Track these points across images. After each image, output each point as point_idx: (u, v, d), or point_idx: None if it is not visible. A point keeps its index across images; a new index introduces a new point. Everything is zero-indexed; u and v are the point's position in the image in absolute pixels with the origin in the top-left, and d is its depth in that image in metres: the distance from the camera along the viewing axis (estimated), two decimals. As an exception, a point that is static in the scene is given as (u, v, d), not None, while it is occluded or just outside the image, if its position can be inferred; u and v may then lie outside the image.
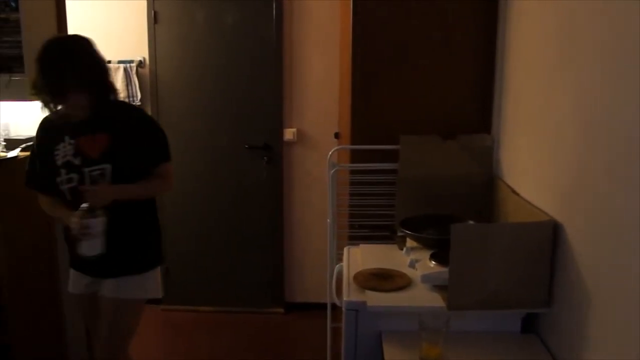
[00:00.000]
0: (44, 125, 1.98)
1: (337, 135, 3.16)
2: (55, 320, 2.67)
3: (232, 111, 3.49)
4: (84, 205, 1.78)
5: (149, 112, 3.32)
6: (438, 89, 2.23)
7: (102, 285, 2.02)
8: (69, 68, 1.82)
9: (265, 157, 3.50)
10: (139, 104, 3.43)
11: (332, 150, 2.29)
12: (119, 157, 1.89)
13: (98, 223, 1.80)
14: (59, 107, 1.90)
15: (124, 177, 1.90)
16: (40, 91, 1.84)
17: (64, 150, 1.89)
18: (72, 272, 2.10)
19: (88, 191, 1.82)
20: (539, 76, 1.70)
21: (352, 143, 2.27)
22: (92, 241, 1.81)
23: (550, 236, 1.50)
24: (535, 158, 1.73)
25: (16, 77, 2.24)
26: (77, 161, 1.88)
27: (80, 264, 2.03)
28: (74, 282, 2.10)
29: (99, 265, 1.94)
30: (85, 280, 2.06)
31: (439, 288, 1.66)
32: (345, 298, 1.68)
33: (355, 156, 2.26)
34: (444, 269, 1.63)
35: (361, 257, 1.98)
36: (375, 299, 1.63)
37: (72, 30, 2.60)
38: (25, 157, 2.39)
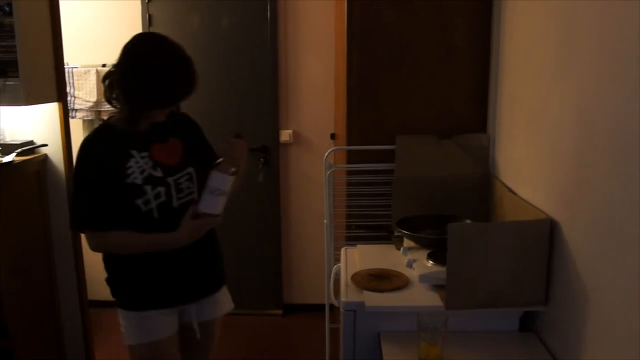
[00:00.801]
0: (98, 146, 1.63)
1: (333, 136, 3.16)
2: (54, 323, 2.66)
3: (228, 113, 3.49)
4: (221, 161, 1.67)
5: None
6: (434, 89, 2.23)
7: (199, 307, 1.83)
8: (192, 74, 1.68)
9: (261, 159, 3.50)
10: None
11: (329, 151, 2.29)
12: (195, 159, 1.76)
13: (230, 180, 1.67)
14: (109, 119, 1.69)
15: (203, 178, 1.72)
16: (141, 99, 1.60)
17: (140, 166, 1.63)
18: (151, 314, 1.72)
19: (233, 143, 1.69)
20: (536, 74, 1.71)
21: (348, 144, 2.27)
22: (220, 199, 1.66)
23: (547, 234, 1.50)
24: (532, 156, 1.73)
25: (11, 82, 2.23)
26: (158, 173, 1.65)
27: (175, 296, 1.76)
28: (158, 323, 1.74)
29: (202, 281, 1.82)
30: (175, 314, 1.79)
31: (437, 288, 1.66)
32: (343, 299, 1.68)
33: (352, 157, 2.26)
34: (442, 269, 1.63)
35: (359, 257, 1.98)
36: (373, 300, 1.63)
37: (66, 34, 2.59)
38: (22, 162, 2.39)
